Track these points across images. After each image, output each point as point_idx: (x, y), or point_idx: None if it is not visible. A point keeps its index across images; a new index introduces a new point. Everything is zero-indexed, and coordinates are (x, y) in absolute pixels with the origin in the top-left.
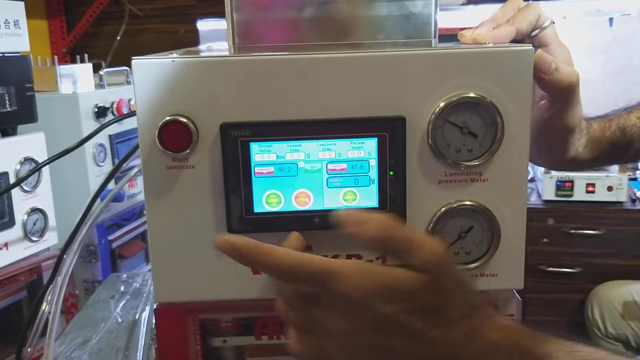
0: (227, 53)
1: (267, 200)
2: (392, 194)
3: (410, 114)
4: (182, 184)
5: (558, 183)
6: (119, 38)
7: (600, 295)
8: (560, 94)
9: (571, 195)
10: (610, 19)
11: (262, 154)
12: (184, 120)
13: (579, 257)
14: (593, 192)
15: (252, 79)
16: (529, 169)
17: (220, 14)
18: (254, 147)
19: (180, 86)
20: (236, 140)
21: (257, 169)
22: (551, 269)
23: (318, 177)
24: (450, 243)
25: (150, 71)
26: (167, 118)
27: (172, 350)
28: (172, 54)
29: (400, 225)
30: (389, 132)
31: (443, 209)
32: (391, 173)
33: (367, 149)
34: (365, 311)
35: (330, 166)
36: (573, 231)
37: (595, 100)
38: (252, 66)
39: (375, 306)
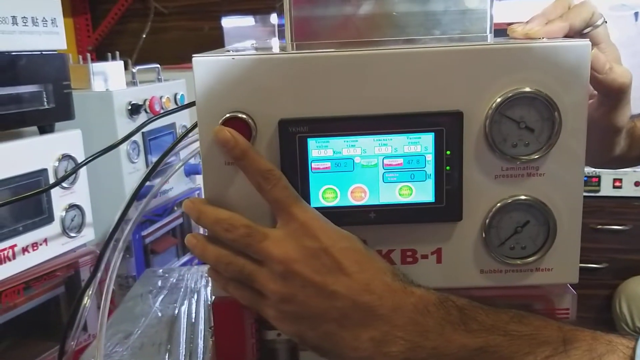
0: (284, 50)
1: (324, 195)
2: (449, 188)
3: (467, 109)
4: (241, 179)
5: (584, 178)
6: (144, 35)
7: (629, 290)
8: (611, 93)
9: (598, 191)
10: (636, 14)
11: (319, 149)
12: (243, 116)
13: (605, 253)
14: (620, 187)
15: (310, 75)
16: None
17: (244, 11)
18: (311, 142)
19: (240, 83)
20: (294, 136)
21: (314, 164)
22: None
23: (374, 172)
24: (506, 237)
25: (210, 68)
26: (227, 115)
27: (228, 343)
28: (228, 51)
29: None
30: (446, 126)
31: (499, 203)
32: (447, 168)
33: (423, 143)
34: (310, 240)
35: (386, 161)
36: (599, 227)
37: None
38: (309, 63)
39: (320, 237)
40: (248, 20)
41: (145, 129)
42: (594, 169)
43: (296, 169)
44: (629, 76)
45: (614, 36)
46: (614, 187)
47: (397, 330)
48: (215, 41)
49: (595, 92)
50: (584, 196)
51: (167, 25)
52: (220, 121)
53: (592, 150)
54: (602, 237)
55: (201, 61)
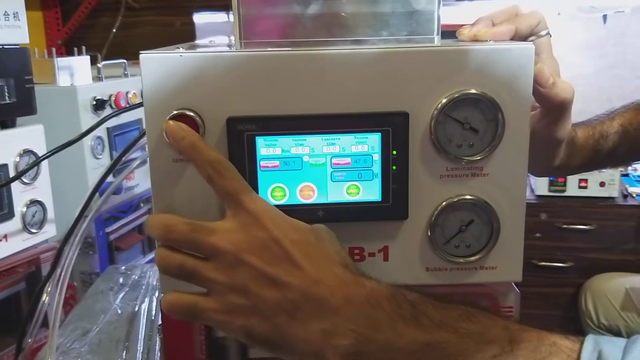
0: (233, 48)
1: (272, 193)
2: (395, 187)
3: (413, 110)
4: (189, 177)
5: (551, 178)
6: (114, 30)
7: (594, 287)
8: (553, 107)
9: (564, 191)
10: (604, 16)
11: (268, 147)
12: (191, 114)
13: (571, 252)
14: (586, 187)
15: (257, 73)
16: None
17: (216, 7)
18: (260, 141)
19: (188, 80)
20: (242, 134)
21: (262, 163)
22: (543, 263)
23: (322, 171)
24: (451, 236)
25: (158, 65)
26: (174, 112)
27: (177, 341)
28: (178, 48)
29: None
30: (392, 127)
31: (444, 202)
32: (394, 167)
33: (370, 143)
34: (261, 230)
35: (334, 160)
36: (565, 226)
37: (588, 95)
38: (258, 61)
39: (270, 228)
40: (220, 17)
41: (110, 125)
42: None
43: (245, 167)
44: (571, 91)
45: (582, 38)
46: (580, 187)
47: (348, 322)
48: (186, 37)
49: (537, 104)
50: (551, 196)
51: (138, 20)
52: (168, 118)
53: (533, 160)
54: (568, 236)
55: (148, 58)
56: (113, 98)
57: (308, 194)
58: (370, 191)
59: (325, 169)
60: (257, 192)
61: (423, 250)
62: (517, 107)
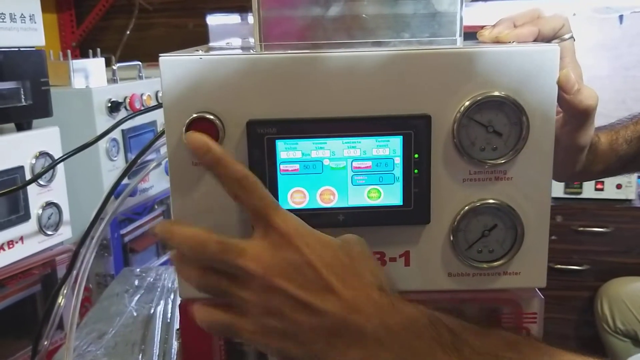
0: (252, 50)
1: (292, 197)
2: (417, 191)
3: (436, 113)
4: (208, 180)
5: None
6: (128, 32)
7: (611, 291)
8: (577, 114)
9: (580, 193)
10: (620, 16)
11: (288, 151)
12: (211, 117)
13: (587, 255)
14: (602, 189)
15: (278, 76)
16: None
17: (229, 9)
18: (280, 144)
19: (207, 83)
20: (262, 138)
21: (282, 166)
22: (559, 266)
23: (343, 174)
24: (473, 241)
25: (178, 68)
26: (194, 115)
27: (195, 346)
28: (197, 50)
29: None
30: (414, 130)
31: (467, 207)
32: (416, 171)
33: (392, 147)
34: (293, 253)
35: (355, 164)
36: (581, 229)
37: (603, 97)
38: (278, 63)
39: (304, 250)
40: (234, 18)
41: (125, 127)
42: None
43: (264, 170)
44: (595, 98)
45: (597, 39)
46: (596, 189)
47: (385, 351)
48: (200, 38)
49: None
50: (567, 198)
51: (151, 22)
52: (187, 121)
53: (555, 165)
54: (584, 239)
55: (168, 60)
56: (128, 100)
57: (328, 198)
58: (391, 195)
59: (346, 173)
60: (277, 196)
61: (445, 255)
62: (542, 110)
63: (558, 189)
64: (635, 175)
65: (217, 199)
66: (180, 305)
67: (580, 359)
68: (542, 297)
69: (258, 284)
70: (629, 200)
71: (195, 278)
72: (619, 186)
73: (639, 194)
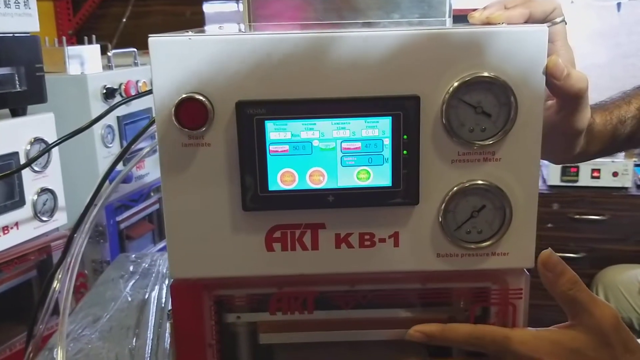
0: (242, 31)
1: (282, 178)
2: (406, 172)
3: (425, 93)
4: (198, 161)
5: (564, 168)
6: (125, 20)
7: (606, 279)
8: (569, 99)
9: (576, 181)
10: (618, 4)
11: (277, 132)
12: (200, 97)
13: (584, 242)
14: (598, 177)
15: (268, 56)
16: None
17: None
18: (269, 125)
19: (197, 64)
20: (251, 118)
21: (272, 147)
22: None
23: (332, 155)
24: (462, 222)
25: (167, 49)
26: (184, 95)
27: (187, 326)
28: (187, 32)
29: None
30: (403, 111)
31: (456, 188)
32: (405, 152)
33: (381, 127)
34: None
35: (344, 145)
36: (578, 216)
37: (602, 85)
38: (267, 44)
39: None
40: (230, 6)
41: (120, 113)
42: None
43: (254, 151)
44: (585, 81)
45: (596, 26)
46: (593, 177)
47: None
48: (197, 26)
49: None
50: (563, 186)
51: (148, 10)
52: (177, 101)
53: (552, 151)
54: (580, 226)
55: (157, 41)
56: (123, 87)
57: (318, 179)
58: (380, 176)
59: (336, 154)
60: (267, 177)
61: (434, 236)
62: (531, 91)
63: (555, 177)
64: (632, 163)
65: (208, 179)
66: (171, 286)
67: None
68: (528, 274)
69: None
70: (625, 188)
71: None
72: (615, 174)
73: (636, 182)
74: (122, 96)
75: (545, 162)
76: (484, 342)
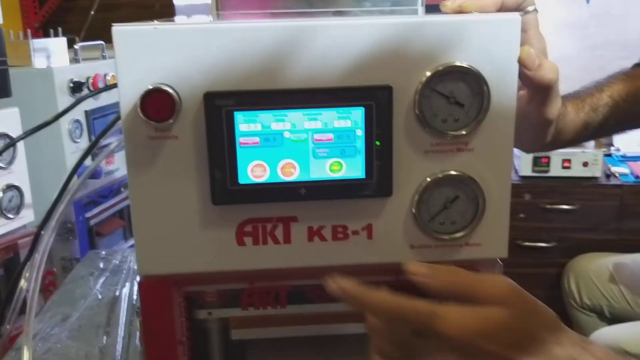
0: (210, 21)
1: (253, 171)
2: (379, 164)
3: (397, 84)
4: (165, 154)
5: (535, 159)
6: (92, 12)
7: (577, 268)
8: (540, 89)
9: (547, 171)
10: None
11: (247, 123)
12: (167, 89)
13: (555, 232)
14: (569, 167)
15: (236, 46)
16: None
17: None
18: (239, 116)
19: (163, 54)
20: (220, 110)
21: (241, 139)
22: (527, 243)
23: (304, 147)
24: (436, 213)
25: (132, 39)
26: (150, 87)
27: (157, 324)
28: (153, 22)
29: (464, 271)
30: (375, 101)
31: (429, 179)
32: (377, 143)
33: (353, 118)
34: (471, 350)
35: (316, 136)
36: (549, 206)
37: (572, 76)
38: (235, 34)
39: (480, 344)
40: None
41: (88, 108)
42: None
43: (223, 143)
44: (556, 71)
45: (565, 18)
46: (563, 167)
47: None
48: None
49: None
50: (535, 177)
51: (117, 2)
52: (142, 93)
53: (525, 139)
54: (552, 216)
55: (122, 31)
56: (91, 80)
57: (289, 171)
58: (353, 168)
59: (307, 145)
60: (237, 170)
61: (408, 227)
62: (503, 80)
63: (526, 168)
64: (602, 153)
65: (176, 173)
66: (140, 284)
67: None
68: (501, 263)
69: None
70: (595, 178)
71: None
72: (585, 164)
73: (605, 172)
74: (90, 90)
75: (517, 153)
76: (406, 317)
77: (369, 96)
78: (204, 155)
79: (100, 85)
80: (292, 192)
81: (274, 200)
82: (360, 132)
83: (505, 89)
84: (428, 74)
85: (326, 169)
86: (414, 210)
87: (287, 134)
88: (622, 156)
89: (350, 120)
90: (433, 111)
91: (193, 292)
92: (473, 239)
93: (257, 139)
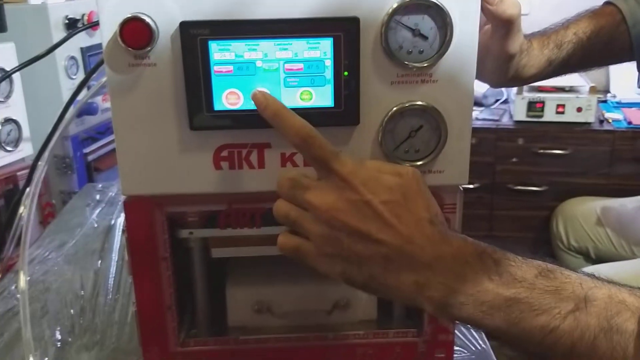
0: None
1: (227, 98)
2: (347, 93)
3: (364, 15)
4: (144, 81)
5: (529, 104)
6: None
7: (565, 211)
8: (501, 24)
9: (542, 116)
10: None
11: (221, 52)
12: (145, 18)
13: (546, 176)
14: (563, 113)
15: None
16: (503, 90)
17: None
18: (213, 45)
19: None
20: (195, 39)
21: (216, 68)
22: (519, 187)
23: (275, 76)
24: (401, 141)
25: None
26: (128, 15)
27: (141, 241)
28: None
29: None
30: (343, 32)
31: (395, 108)
32: (345, 73)
33: (322, 49)
34: (353, 193)
35: (287, 66)
36: (541, 151)
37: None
38: None
39: (361, 192)
40: None
41: (84, 45)
42: (538, 95)
43: (199, 71)
44: (517, 7)
45: None
46: (557, 112)
47: (439, 276)
48: None
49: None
50: (528, 121)
51: None
52: (121, 22)
53: (488, 73)
54: (543, 161)
55: None
56: (86, 17)
57: None
58: (322, 97)
59: (279, 75)
60: (212, 97)
61: (374, 155)
62: (465, 14)
63: (520, 113)
64: (596, 99)
65: (155, 99)
66: (124, 203)
67: (605, 288)
68: (462, 190)
69: (322, 218)
70: (589, 123)
71: (275, 208)
72: (579, 109)
73: (599, 118)
74: (85, 26)
75: (512, 98)
76: (312, 145)
77: (337, 27)
78: (181, 82)
79: (95, 21)
80: (265, 119)
81: (248, 127)
82: (329, 63)
83: (467, 22)
84: (395, 5)
85: (297, 98)
86: (380, 139)
87: (259, 63)
88: (617, 102)
89: (320, 50)
90: (399, 43)
91: (174, 213)
92: (436, 167)
93: (230, 68)
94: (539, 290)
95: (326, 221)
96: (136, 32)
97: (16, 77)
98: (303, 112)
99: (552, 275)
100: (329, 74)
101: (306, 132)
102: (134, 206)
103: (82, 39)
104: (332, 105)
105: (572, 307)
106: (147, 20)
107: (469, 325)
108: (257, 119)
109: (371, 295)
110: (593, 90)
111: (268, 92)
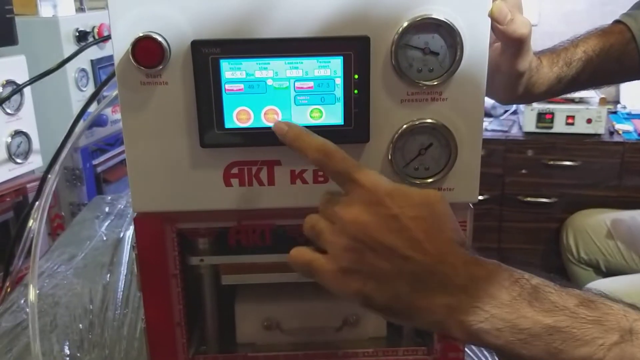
0: None
1: (238, 116)
2: (357, 111)
3: (375, 34)
4: (156, 99)
5: (539, 115)
6: None
7: (575, 223)
8: (511, 43)
9: (551, 127)
10: None
11: (232, 71)
12: (157, 37)
13: (556, 188)
14: (572, 124)
15: None
16: None
17: None
18: (224, 64)
19: (153, 3)
20: (207, 58)
21: (227, 86)
22: (529, 199)
23: (286, 94)
24: (411, 159)
25: None
26: (140, 34)
27: (151, 257)
28: None
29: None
30: (353, 51)
31: (405, 126)
32: (356, 91)
33: (332, 67)
34: (379, 206)
35: (297, 84)
36: (551, 162)
37: (581, 31)
38: None
39: (387, 203)
40: None
41: (94, 57)
42: (548, 106)
43: (210, 90)
44: (528, 26)
45: None
46: (567, 124)
47: (474, 300)
48: None
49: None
50: (538, 133)
51: None
52: (133, 41)
53: (497, 90)
54: (553, 172)
55: None
56: (96, 30)
57: (272, 117)
58: (332, 115)
59: (289, 93)
60: (223, 115)
61: (384, 172)
62: (476, 33)
63: (530, 124)
64: (606, 110)
65: (166, 117)
66: (135, 219)
67: None
68: (472, 207)
69: (345, 230)
70: (598, 135)
71: (308, 217)
72: (589, 121)
73: (609, 129)
74: (95, 39)
75: (522, 109)
76: (333, 159)
77: (348, 46)
78: (193, 100)
79: (106, 34)
80: (275, 136)
81: (258, 145)
82: (339, 81)
83: (477, 40)
84: (405, 24)
85: (307, 116)
86: (390, 156)
87: (269, 82)
88: (627, 113)
89: (330, 69)
90: (409, 61)
91: (185, 230)
92: (446, 184)
93: (241, 86)
94: (582, 320)
95: (349, 233)
96: (148, 51)
97: (26, 89)
98: (313, 130)
99: (593, 305)
100: (339, 92)
101: (327, 147)
102: (145, 222)
103: (92, 51)
104: (342, 123)
105: (616, 338)
106: (159, 39)
107: (503, 354)
108: (267, 137)
109: (388, 318)
110: (603, 101)
111: (289, 122)
